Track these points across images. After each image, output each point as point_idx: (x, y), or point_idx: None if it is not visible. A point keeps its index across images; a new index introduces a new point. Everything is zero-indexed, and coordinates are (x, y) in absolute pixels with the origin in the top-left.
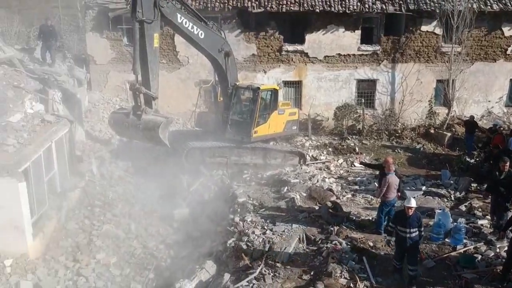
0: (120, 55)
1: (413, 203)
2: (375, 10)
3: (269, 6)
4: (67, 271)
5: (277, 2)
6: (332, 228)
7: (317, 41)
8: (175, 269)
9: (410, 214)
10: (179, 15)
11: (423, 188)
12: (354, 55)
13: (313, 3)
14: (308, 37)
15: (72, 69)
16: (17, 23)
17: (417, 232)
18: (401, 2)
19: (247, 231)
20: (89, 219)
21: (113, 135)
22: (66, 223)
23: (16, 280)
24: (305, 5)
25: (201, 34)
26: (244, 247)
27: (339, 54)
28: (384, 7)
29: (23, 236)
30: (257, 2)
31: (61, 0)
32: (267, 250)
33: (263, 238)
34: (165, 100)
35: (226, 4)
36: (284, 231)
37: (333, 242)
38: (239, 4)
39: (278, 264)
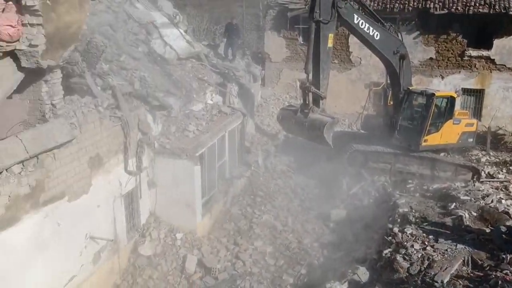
0: (294, 53)
1: None
2: None
3: (454, 7)
4: (228, 252)
5: (463, 3)
6: (504, 256)
7: (507, 47)
8: (326, 269)
9: None
10: (355, 16)
11: None
12: None
13: (507, 5)
14: (497, 42)
15: (249, 65)
16: (206, 21)
17: None
18: None
19: (405, 243)
20: (251, 207)
21: (280, 131)
22: (230, 207)
23: (184, 253)
24: (497, 7)
25: (377, 35)
26: (401, 260)
27: None
28: None
29: (193, 214)
30: (440, 3)
31: (246, 0)
32: (425, 267)
33: (422, 254)
34: (333, 100)
35: (406, 5)
36: (447, 250)
37: (504, 271)
38: (420, 5)
39: (436, 284)
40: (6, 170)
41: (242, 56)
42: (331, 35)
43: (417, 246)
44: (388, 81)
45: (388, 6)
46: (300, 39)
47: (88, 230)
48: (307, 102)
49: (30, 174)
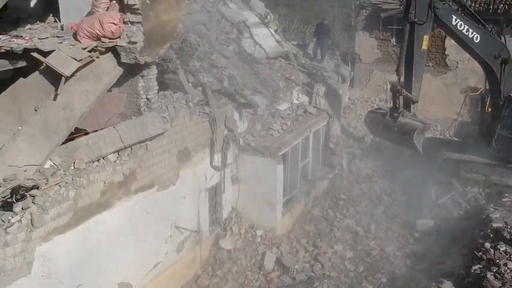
0: (386, 55)
1: None
2: None
3: None
4: (306, 253)
5: None
6: None
7: None
8: (409, 280)
9: None
10: (454, 17)
11: None
12: None
13: None
14: None
15: (338, 66)
16: (297, 21)
17: None
18: None
19: (498, 261)
20: (332, 210)
21: (367, 134)
22: (311, 209)
23: (263, 250)
24: None
25: (477, 37)
26: (491, 278)
27: None
28: None
29: (274, 212)
30: None
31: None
32: None
33: None
34: (425, 105)
35: None
36: None
37: None
38: None
39: None
40: (103, 158)
41: (331, 56)
42: (426, 37)
43: (510, 265)
44: (487, 87)
45: (491, 6)
46: (393, 40)
47: (174, 220)
48: (397, 106)
49: (124, 163)
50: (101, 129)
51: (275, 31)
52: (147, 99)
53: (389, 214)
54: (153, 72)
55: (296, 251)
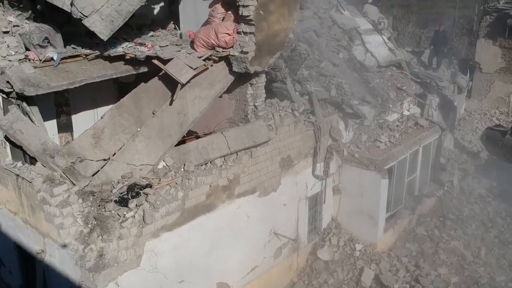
0: (510, 65)
1: None
2: None
3: None
4: (407, 273)
5: None
6: None
7: None
8: None
9: None
10: None
11: None
12: None
13: None
14: None
15: (455, 75)
16: (412, 25)
17: None
18: None
19: None
20: (439, 229)
21: (483, 149)
22: (416, 227)
23: (361, 265)
24: None
25: None
26: None
27: None
28: None
29: (375, 228)
30: None
31: (459, 0)
32: None
33: None
34: None
35: None
36: None
37: None
38: None
39: None
40: (211, 162)
41: (447, 65)
42: None
43: None
44: None
45: None
46: None
47: (273, 226)
48: None
49: (229, 168)
50: (210, 132)
51: (388, 38)
52: (255, 106)
53: (502, 239)
54: (261, 80)
55: (396, 269)
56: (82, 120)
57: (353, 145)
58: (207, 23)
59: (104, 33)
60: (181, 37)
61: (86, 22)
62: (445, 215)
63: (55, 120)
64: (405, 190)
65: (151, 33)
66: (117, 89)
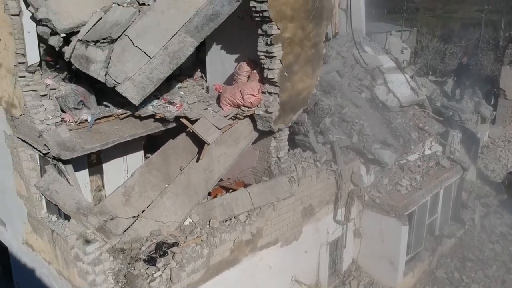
0: None
1: None
2: None
3: None
4: None
5: None
6: None
7: None
8: None
9: None
10: None
11: None
12: None
13: None
14: None
15: (478, 105)
16: (436, 40)
17: None
18: None
19: None
20: (458, 272)
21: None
22: (435, 269)
23: None
24: None
25: None
26: None
27: None
28: None
29: (395, 272)
30: None
31: (486, 3)
32: None
33: None
34: None
35: None
36: None
37: None
38: None
39: None
40: (235, 217)
41: (471, 94)
42: None
43: None
44: None
45: None
46: None
47: (294, 273)
48: None
49: (253, 222)
50: (234, 182)
51: (411, 77)
52: (278, 158)
53: None
54: (285, 133)
55: None
56: (112, 163)
57: (374, 189)
58: (232, 78)
59: (136, 99)
60: (207, 90)
61: (119, 89)
62: (465, 255)
63: (87, 170)
64: (426, 231)
65: (179, 84)
66: (145, 137)
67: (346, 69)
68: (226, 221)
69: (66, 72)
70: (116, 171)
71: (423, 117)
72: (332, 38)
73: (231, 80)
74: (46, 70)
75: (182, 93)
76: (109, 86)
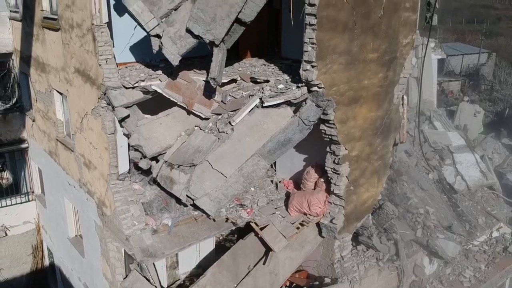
0: None
1: None
2: None
3: None
4: None
5: None
6: None
7: None
8: None
9: None
10: None
11: None
12: None
13: None
14: None
15: None
16: None
17: None
18: None
19: None
20: None
21: None
22: None
23: None
24: None
25: None
26: None
27: None
28: None
29: None
30: None
31: None
32: None
33: None
34: None
35: None
36: None
37: None
38: None
39: None
40: None
41: None
42: None
43: None
44: None
45: None
46: None
47: None
48: None
49: None
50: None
51: (481, 157)
52: (341, 256)
53: None
54: (348, 236)
55: None
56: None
57: (436, 280)
58: (300, 175)
59: (211, 211)
60: (277, 187)
61: (197, 202)
62: None
63: (164, 259)
64: None
65: None
66: None
67: (414, 147)
68: None
69: (151, 175)
70: (189, 250)
71: (492, 199)
72: (398, 143)
73: (298, 177)
74: (134, 173)
75: (253, 189)
76: (188, 204)
